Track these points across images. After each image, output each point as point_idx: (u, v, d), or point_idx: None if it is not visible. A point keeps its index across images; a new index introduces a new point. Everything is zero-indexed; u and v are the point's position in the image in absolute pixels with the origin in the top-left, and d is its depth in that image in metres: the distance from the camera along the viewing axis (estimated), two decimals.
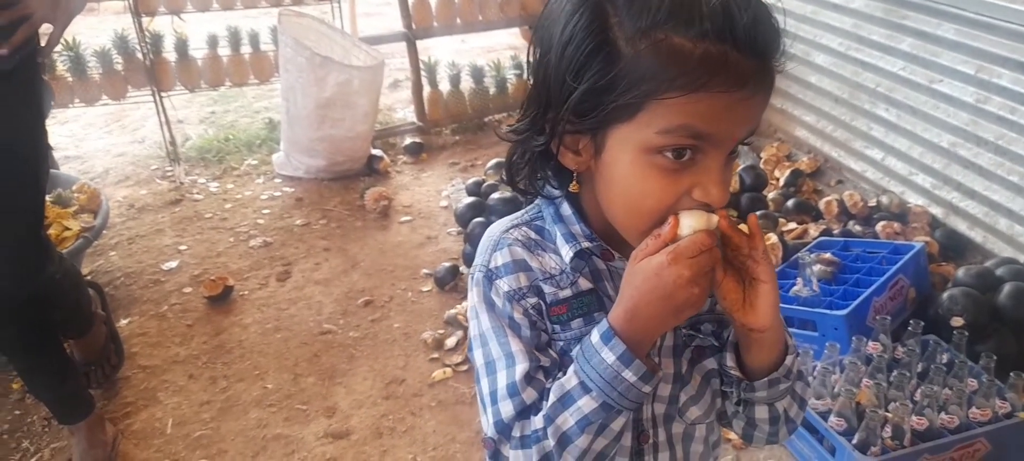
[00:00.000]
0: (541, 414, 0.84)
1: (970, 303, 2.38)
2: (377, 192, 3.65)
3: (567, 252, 0.89)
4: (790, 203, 3.25)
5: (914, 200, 3.25)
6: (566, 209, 0.91)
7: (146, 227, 3.56)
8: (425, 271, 3.15)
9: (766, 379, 0.89)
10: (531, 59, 0.87)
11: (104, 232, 3.40)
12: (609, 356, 0.81)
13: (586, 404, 0.82)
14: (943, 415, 2.05)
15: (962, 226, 3.06)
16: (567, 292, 0.90)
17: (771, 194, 3.35)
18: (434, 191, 3.86)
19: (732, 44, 0.72)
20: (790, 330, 2.40)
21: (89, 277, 3.01)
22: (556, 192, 0.91)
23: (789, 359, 0.90)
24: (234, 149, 4.30)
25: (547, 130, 0.84)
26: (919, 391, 2.10)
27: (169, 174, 4.05)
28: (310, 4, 4.26)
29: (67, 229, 2.86)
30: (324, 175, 3.90)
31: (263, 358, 2.70)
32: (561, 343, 0.90)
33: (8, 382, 2.58)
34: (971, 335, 2.25)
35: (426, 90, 4.44)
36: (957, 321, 2.36)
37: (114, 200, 3.77)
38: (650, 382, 0.82)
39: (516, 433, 0.85)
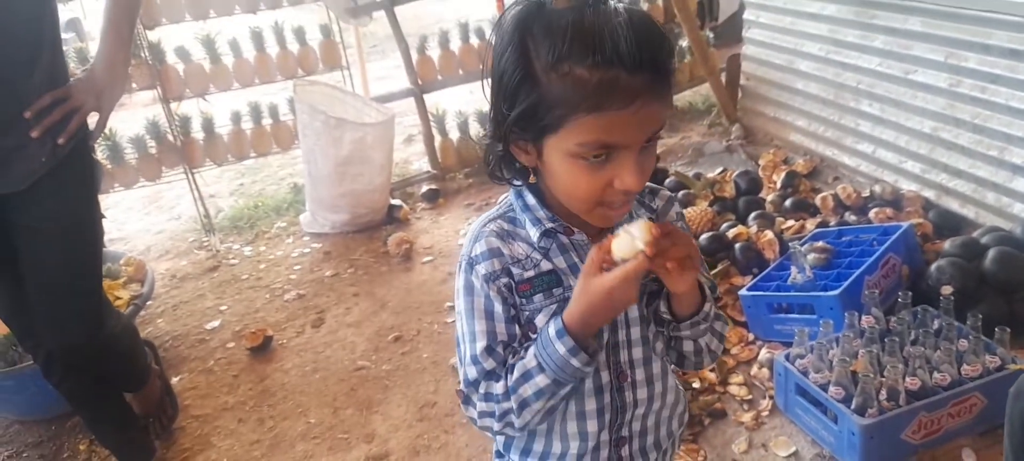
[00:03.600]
0: (504, 383, 1.08)
1: (957, 271, 2.52)
2: (399, 237, 3.88)
3: (535, 233, 1.10)
4: (788, 203, 3.41)
5: (907, 186, 3.40)
6: (530, 198, 1.11)
7: (188, 294, 3.82)
8: (449, 304, 3.35)
9: (689, 321, 1.14)
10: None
11: (150, 302, 3.68)
12: (561, 348, 1.03)
13: (541, 380, 1.05)
14: (936, 374, 2.19)
15: (954, 205, 3.20)
16: (530, 273, 1.10)
17: (769, 196, 3.52)
18: (453, 231, 4.09)
19: (621, 67, 0.89)
20: (791, 316, 2.56)
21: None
22: (520, 182, 1.13)
23: (706, 306, 1.14)
24: (264, 215, 4.58)
25: (501, 139, 1.06)
26: (910, 353, 2.24)
27: (205, 244, 4.32)
28: (323, 73, 4.56)
29: (118, 298, 3.12)
30: (348, 228, 4.15)
31: (304, 397, 2.91)
32: (526, 313, 1.12)
33: (76, 443, 2.81)
34: (961, 301, 2.39)
35: (437, 140, 4.70)
36: (946, 290, 2.49)
37: (157, 273, 4.04)
38: (591, 364, 1.04)
39: (481, 390, 1.09)
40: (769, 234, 2.99)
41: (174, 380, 3.11)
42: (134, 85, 4.09)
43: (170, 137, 4.26)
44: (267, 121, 4.45)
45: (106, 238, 4.36)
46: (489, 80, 1.07)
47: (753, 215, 3.22)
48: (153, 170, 4.23)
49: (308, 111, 3.93)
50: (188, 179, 4.29)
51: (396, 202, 4.33)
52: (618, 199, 1.01)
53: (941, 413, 2.16)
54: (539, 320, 1.10)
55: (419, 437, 2.62)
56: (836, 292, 2.48)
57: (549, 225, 1.09)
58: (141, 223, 4.85)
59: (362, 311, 3.43)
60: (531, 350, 1.07)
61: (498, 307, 1.09)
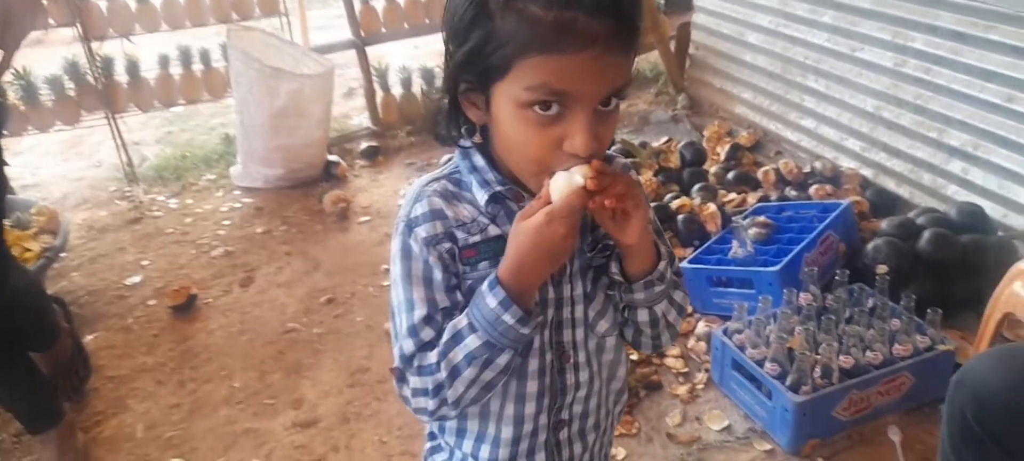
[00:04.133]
0: (436, 349, 0.98)
1: (892, 251, 2.54)
2: (335, 195, 3.74)
3: (482, 196, 1.01)
4: (731, 175, 3.40)
5: (846, 164, 3.42)
6: (478, 159, 1.02)
7: (107, 246, 3.61)
8: (385, 267, 3.25)
9: (642, 282, 1.05)
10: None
11: (65, 254, 3.47)
12: (491, 301, 0.94)
13: (472, 341, 0.95)
14: (868, 353, 2.20)
15: (891, 184, 3.24)
16: (476, 238, 1.01)
17: (713, 168, 3.50)
18: (392, 191, 3.96)
19: (579, 7, 0.82)
20: (730, 290, 2.54)
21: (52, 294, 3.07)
22: (468, 142, 1.03)
23: (661, 265, 1.05)
24: (192, 166, 4.36)
25: (450, 89, 0.96)
26: (844, 331, 2.25)
27: (128, 194, 4.10)
28: (260, 19, 4.34)
29: (28, 250, 2.92)
30: (282, 183, 3.99)
31: (229, 359, 2.78)
32: (469, 282, 1.03)
33: None
34: (895, 280, 2.41)
35: (379, 95, 4.54)
36: (881, 269, 2.51)
37: (74, 223, 3.81)
38: (528, 325, 0.95)
39: (415, 363, 1.00)
40: (712, 207, 2.97)
41: (88, 338, 2.94)
42: (51, 21, 3.81)
43: (91, 79, 4.00)
44: (198, 67, 4.22)
45: (17, 184, 4.12)
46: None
47: (697, 187, 3.20)
48: (71, 113, 3.98)
49: (242, 59, 3.73)
50: (110, 124, 4.05)
51: (334, 158, 4.18)
52: (567, 162, 0.92)
53: (871, 391, 2.18)
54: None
55: (349, 403, 2.53)
56: (775, 268, 2.48)
57: (498, 188, 1.01)
58: (58, 169, 4.57)
59: (294, 271, 3.30)
60: (463, 317, 0.98)
61: (438, 274, 1.00)
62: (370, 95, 4.54)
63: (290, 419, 2.49)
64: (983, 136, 2.79)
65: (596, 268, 1.09)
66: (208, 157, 4.45)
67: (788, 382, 2.13)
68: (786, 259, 2.50)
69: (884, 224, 2.72)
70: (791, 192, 3.21)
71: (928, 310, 2.25)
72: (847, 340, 2.20)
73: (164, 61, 4.16)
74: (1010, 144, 2.69)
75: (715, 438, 2.26)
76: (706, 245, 2.81)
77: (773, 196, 3.22)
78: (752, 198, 3.18)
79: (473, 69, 0.91)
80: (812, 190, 3.15)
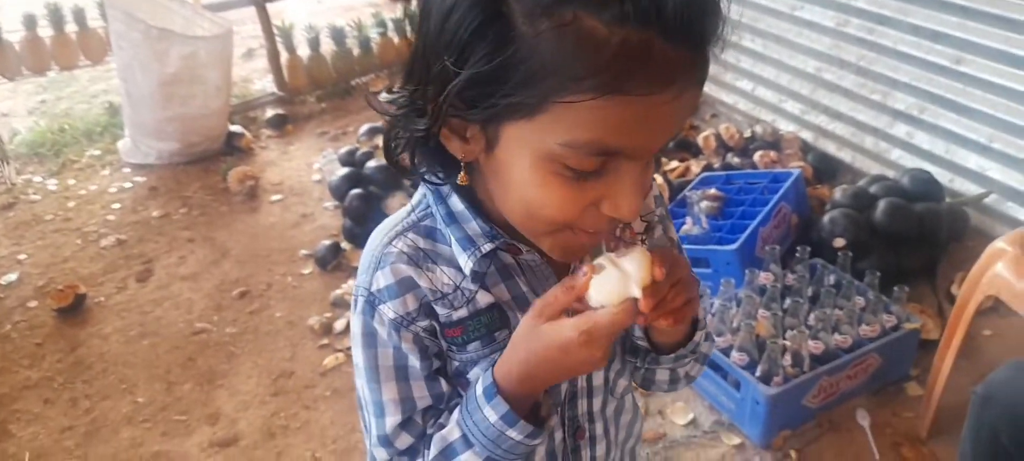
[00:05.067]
0: None
1: (849, 223, 2.44)
2: (241, 172, 3.37)
3: (466, 262, 0.75)
4: (670, 142, 3.24)
5: (785, 127, 3.33)
6: (457, 203, 0.76)
7: None
8: (304, 252, 2.94)
9: (673, 355, 0.86)
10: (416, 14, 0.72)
11: None
12: (491, 415, 0.73)
13: (470, 459, 0.75)
14: (836, 336, 2.10)
15: (831, 148, 3.16)
16: (462, 312, 0.77)
17: None
18: (304, 165, 3.61)
19: (659, 30, 0.56)
20: None
21: None
22: (437, 180, 0.76)
23: (698, 335, 0.85)
24: (72, 140, 3.86)
25: (428, 112, 0.67)
26: (812, 315, 2.14)
27: None
28: None
29: None
30: (179, 159, 3.57)
31: (130, 370, 2.43)
32: (456, 362, 0.80)
33: None
34: (853, 253, 2.32)
35: (284, 57, 4.14)
36: (839, 242, 2.42)
37: None
38: (540, 436, 0.75)
39: None
40: (658, 178, 2.80)
41: None
42: None
43: None
44: (71, 28, 3.71)
45: None
46: (418, 6, 0.68)
47: None
48: None
49: (123, 19, 3.26)
50: None
51: (236, 128, 3.77)
52: (598, 226, 0.68)
53: (841, 376, 2.08)
54: (473, 375, 0.79)
55: (274, 415, 2.24)
56: (733, 246, 2.34)
57: (487, 245, 0.75)
58: None
59: (199, 261, 2.94)
60: (454, 415, 0.76)
61: (414, 361, 0.77)
62: (273, 57, 4.13)
63: (206, 437, 2.18)
64: (930, 99, 2.72)
65: None
66: (90, 130, 3.94)
67: (758, 373, 2.00)
68: (743, 236, 2.36)
69: (837, 194, 2.62)
70: (734, 159, 3.09)
71: (894, 288, 2.16)
72: (816, 324, 2.09)
73: (30, 21, 3.64)
74: (958, 107, 2.63)
75: (681, 434, 2.11)
76: None
77: (716, 163, 3.09)
78: (696, 166, 3.04)
79: (478, 98, 0.62)
80: (756, 157, 3.03)
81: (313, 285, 2.77)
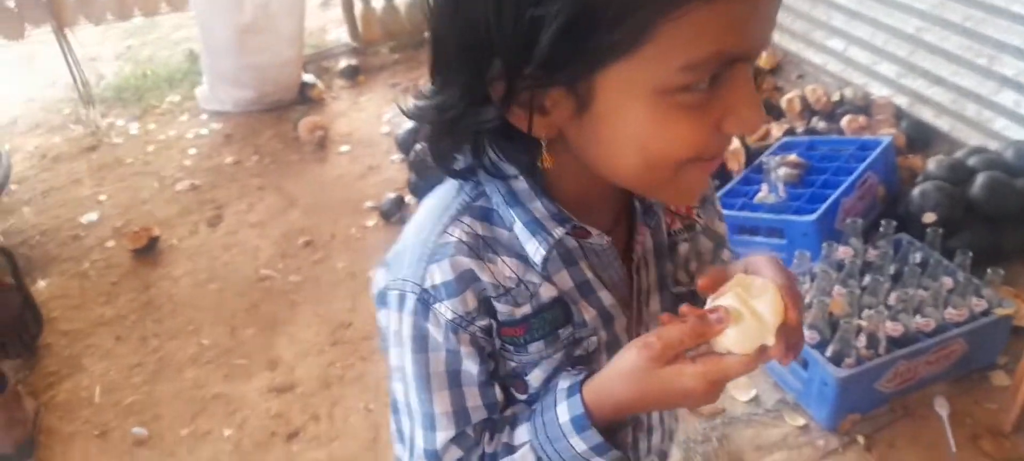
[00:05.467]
0: None
1: (942, 197, 2.25)
2: (311, 122, 3.39)
3: (536, 250, 0.66)
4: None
5: (878, 91, 3.10)
6: (519, 181, 0.67)
7: (61, 178, 3.27)
8: (369, 204, 2.94)
9: None
10: None
11: (14, 187, 3.14)
12: (580, 445, 0.67)
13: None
14: (918, 318, 1.95)
15: (928, 115, 2.93)
16: (525, 309, 0.68)
17: None
18: (374, 116, 3.60)
19: None
20: (757, 239, 2.25)
21: (0, 237, 2.75)
22: (510, 169, 0.66)
23: None
24: (153, 86, 3.97)
25: (497, 95, 0.58)
26: (893, 295, 1.99)
27: (84, 118, 3.72)
28: None
29: None
30: (254, 107, 3.62)
31: (197, 312, 2.49)
32: (513, 363, 0.72)
33: None
34: (945, 230, 2.14)
35: (358, 7, 4.12)
36: (929, 217, 2.24)
37: (25, 151, 3.47)
38: (604, 456, 0.69)
39: None
40: (735, 143, 2.65)
41: (40, 285, 2.65)
42: None
43: None
44: None
45: None
46: None
47: None
48: (14, 27, 3.55)
49: None
50: (58, 39, 3.62)
51: (309, 79, 3.79)
52: (720, 150, 0.61)
53: (920, 361, 1.94)
54: (534, 377, 0.72)
55: (331, 365, 2.26)
56: (812, 217, 2.19)
57: (558, 231, 0.66)
58: (8, 88, 4.16)
59: (268, 208, 2.98)
60: (522, 438, 0.70)
61: (471, 366, 0.69)
62: (348, 7, 4.11)
63: (265, 382, 2.22)
64: None
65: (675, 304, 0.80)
66: (172, 76, 4.05)
67: (829, 353, 1.88)
68: (823, 207, 2.21)
69: (931, 165, 2.42)
70: (819, 123, 2.90)
71: (987, 270, 1.98)
72: (897, 304, 1.94)
73: None
74: None
75: (742, 410, 2.02)
76: (729, 186, 2.51)
77: (799, 128, 2.90)
78: (777, 130, 2.87)
79: (558, 58, 0.54)
80: (844, 122, 2.84)
81: (376, 237, 2.77)
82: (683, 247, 0.79)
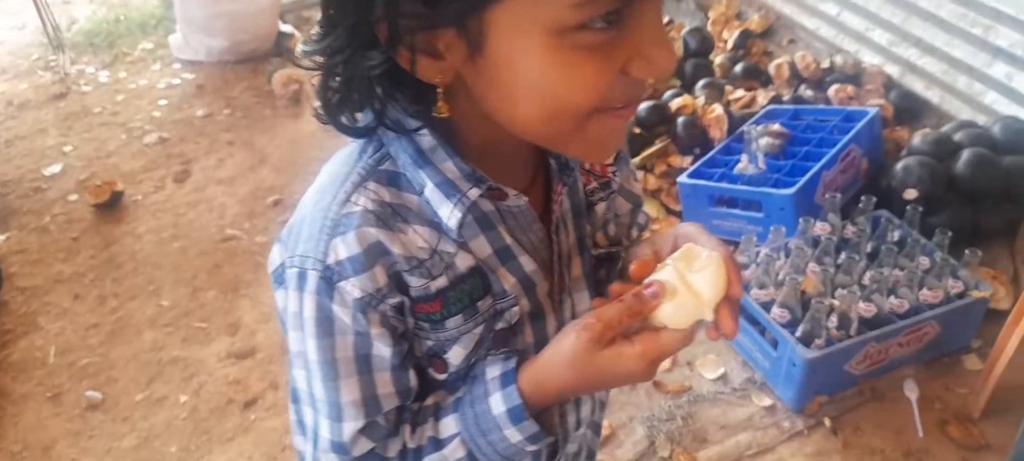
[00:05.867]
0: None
1: (925, 173, 2.18)
2: (286, 75, 3.28)
3: (450, 213, 0.61)
4: (738, 68, 2.98)
5: (869, 59, 3.01)
6: (427, 139, 0.61)
7: (27, 127, 3.17)
8: None
9: None
10: None
11: None
12: (515, 436, 0.65)
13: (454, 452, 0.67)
14: (892, 299, 1.90)
15: (918, 86, 2.84)
16: (441, 281, 0.63)
17: (718, 58, 3.07)
18: None
19: None
20: (734, 211, 2.19)
21: None
22: (412, 123, 0.61)
23: None
24: (126, 31, 3.84)
25: (383, 36, 0.53)
26: (868, 274, 1.94)
27: (52, 64, 3.60)
28: None
29: None
30: (228, 57, 3.50)
31: (158, 271, 2.43)
32: (430, 341, 0.66)
33: None
34: (926, 207, 2.08)
35: None
36: (911, 193, 2.17)
37: None
38: (539, 442, 0.68)
39: None
40: (717, 109, 2.57)
41: (0, 238, 2.57)
42: None
43: None
44: None
45: None
46: None
47: (701, 83, 2.78)
48: None
49: None
50: None
51: (287, 28, 3.66)
52: (630, 96, 0.56)
53: (891, 342, 1.89)
54: (453, 354, 0.67)
55: None
56: (790, 191, 2.13)
57: (472, 191, 0.61)
58: None
59: (237, 164, 2.90)
60: (450, 430, 0.67)
61: (382, 349, 0.63)
62: None
63: (224, 347, 2.17)
64: None
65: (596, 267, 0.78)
66: (145, 22, 3.91)
67: (799, 333, 1.83)
68: (802, 180, 2.14)
69: (916, 139, 2.35)
70: (807, 92, 2.81)
71: (966, 250, 1.92)
72: (871, 284, 1.88)
73: None
74: None
75: (709, 388, 1.97)
76: (709, 155, 2.43)
77: (786, 95, 2.82)
78: (763, 97, 2.78)
79: None
80: (831, 91, 2.75)
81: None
82: (600, 207, 0.76)
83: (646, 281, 0.62)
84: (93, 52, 3.69)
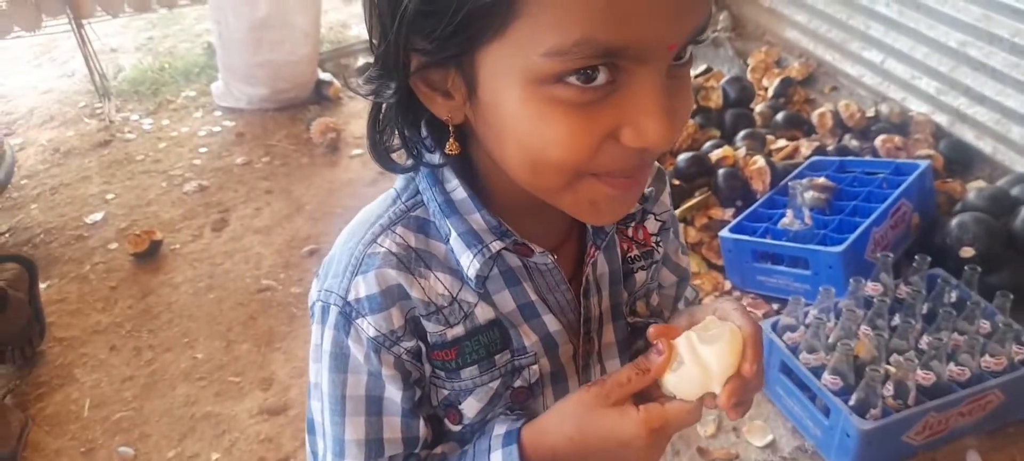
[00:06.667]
0: None
1: (982, 231, 2.09)
2: (324, 124, 3.29)
3: (470, 263, 0.61)
4: (779, 116, 2.92)
5: (916, 107, 2.92)
6: (458, 191, 0.62)
7: (71, 174, 3.22)
8: None
9: None
10: None
11: (24, 181, 3.11)
12: None
13: None
14: (952, 366, 1.80)
15: (969, 135, 2.75)
16: (458, 330, 0.64)
17: (758, 107, 3.01)
18: None
19: None
20: (779, 268, 2.12)
21: (7, 235, 2.70)
22: (435, 159, 0.62)
23: None
24: (170, 79, 3.91)
25: (396, 67, 0.54)
26: (925, 338, 1.84)
27: (98, 111, 3.67)
28: None
29: None
30: (268, 105, 3.54)
31: (193, 323, 2.42)
32: (445, 391, 0.66)
33: None
34: (983, 267, 1.98)
35: None
36: (967, 252, 2.08)
37: (38, 144, 3.43)
38: None
39: None
40: (759, 161, 2.51)
41: (41, 287, 2.59)
42: None
43: None
44: None
45: None
46: None
47: (742, 134, 2.72)
48: (30, 18, 3.50)
49: None
50: (73, 29, 3.57)
51: (326, 77, 3.70)
52: (623, 165, 0.54)
53: (952, 412, 1.79)
54: (468, 406, 0.66)
55: None
56: (838, 249, 2.05)
57: (495, 244, 0.61)
58: (27, 78, 4.13)
59: (274, 213, 2.90)
60: None
61: (393, 392, 0.64)
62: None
63: (257, 403, 2.14)
64: None
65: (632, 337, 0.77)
66: (189, 70, 3.98)
67: (852, 401, 1.74)
68: (852, 237, 2.06)
69: (971, 194, 2.26)
70: (851, 141, 2.74)
71: None
72: (929, 350, 1.79)
73: None
74: None
75: (756, 456, 1.89)
76: (751, 209, 2.36)
77: (830, 145, 2.74)
78: (806, 147, 2.71)
79: (435, 28, 0.50)
80: (878, 142, 2.67)
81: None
82: (640, 275, 0.74)
83: (656, 344, 0.61)
84: (138, 99, 3.76)
